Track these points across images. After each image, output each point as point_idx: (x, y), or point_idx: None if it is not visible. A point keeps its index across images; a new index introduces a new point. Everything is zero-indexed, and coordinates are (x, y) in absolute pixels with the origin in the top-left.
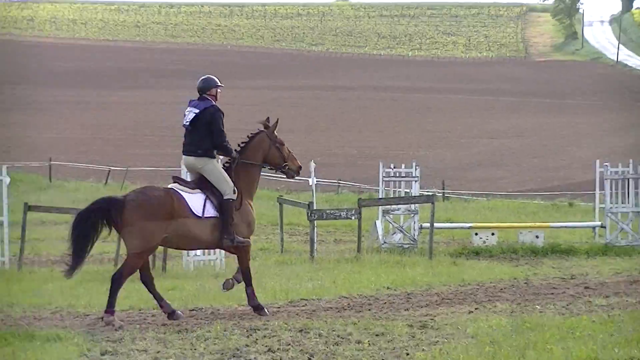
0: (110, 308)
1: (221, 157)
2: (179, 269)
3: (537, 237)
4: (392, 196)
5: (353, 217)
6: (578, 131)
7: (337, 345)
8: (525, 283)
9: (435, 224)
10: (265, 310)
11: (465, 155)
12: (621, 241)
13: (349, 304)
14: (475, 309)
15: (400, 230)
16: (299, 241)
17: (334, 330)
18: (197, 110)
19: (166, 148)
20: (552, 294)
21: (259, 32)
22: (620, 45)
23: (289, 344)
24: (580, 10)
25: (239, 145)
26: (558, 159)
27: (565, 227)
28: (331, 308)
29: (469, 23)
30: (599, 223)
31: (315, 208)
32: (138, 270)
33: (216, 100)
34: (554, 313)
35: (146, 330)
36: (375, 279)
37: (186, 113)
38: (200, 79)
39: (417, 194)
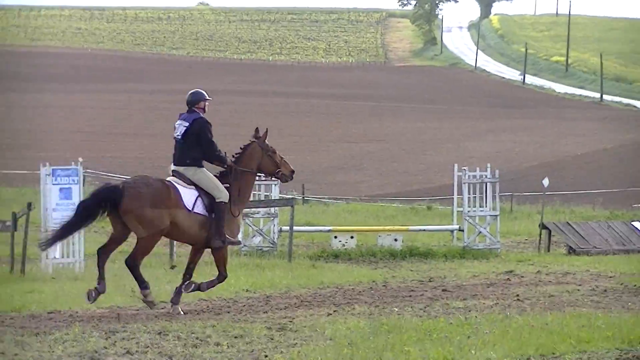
0: (143, 284)
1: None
2: (38, 271)
3: (395, 240)
4: (251, 199)
5: None
6: (437, 136)
7: (196, 347)
8: (384, 286)
9: (295, 227)
10: (180, 311)
11: (325, 159)
12: (479, 244)
13: (208, 307)
14: (334, 311)
15: (260, 233)
16: (159, 244)
17: (192, 333)
18: (187, 124)
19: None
20: (410, 296)
21: (120, 36)
22: (479, 51)
23: (148, 347)
24: (439, 16)
25: (233, 156)
26: (417, 163)
27: (424, 230)
28: (190, 311)
29: (329, 28)
30: (457, 226)
31: None
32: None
33: (204, 112)
34: (411, 315)
35: (4, 332)
36: (234, 282)
37: (176, 126)
38: (189, 93)
39: (277, 197)
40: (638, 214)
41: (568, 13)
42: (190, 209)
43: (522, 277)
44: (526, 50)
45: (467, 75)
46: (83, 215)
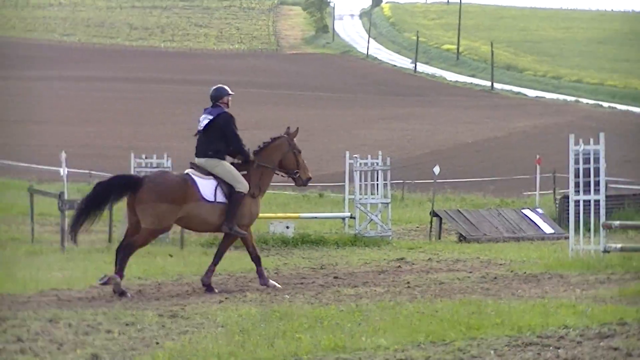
0: (120, 272)
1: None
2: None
3: (287, 227)
4: None
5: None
6: (329, 123)
7: (87, 334)
8: (276, 273)
9: None
10: (275, 284)
11: None
12: (370, 232)
13: (99, 294)
14: (226, 298)
15: None
16: (50, 231)
17: (84, 320)
18: (211, 117)
19: None
20: (302, 283)
21: (10, 22)
22: (370, 39)
23: (38, 334)
24: (331, 4)
25: (259, 146)
26: (310, 150)
27: (316, 217)
28: (81, 298)
29: (221, 15)
30: (348, 214)
31: (66, 198)
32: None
33: (227, 107)
34: (303, 302)
35: None
36: (126, 269)
37: (201, 120)
38: (213, 88)
39: None
40: (528, 201)
41: (459, 1)
42: (211, 199)
43: (413, 264)
44: (417, 38)
45: (359, 63)
46: (99, 194)
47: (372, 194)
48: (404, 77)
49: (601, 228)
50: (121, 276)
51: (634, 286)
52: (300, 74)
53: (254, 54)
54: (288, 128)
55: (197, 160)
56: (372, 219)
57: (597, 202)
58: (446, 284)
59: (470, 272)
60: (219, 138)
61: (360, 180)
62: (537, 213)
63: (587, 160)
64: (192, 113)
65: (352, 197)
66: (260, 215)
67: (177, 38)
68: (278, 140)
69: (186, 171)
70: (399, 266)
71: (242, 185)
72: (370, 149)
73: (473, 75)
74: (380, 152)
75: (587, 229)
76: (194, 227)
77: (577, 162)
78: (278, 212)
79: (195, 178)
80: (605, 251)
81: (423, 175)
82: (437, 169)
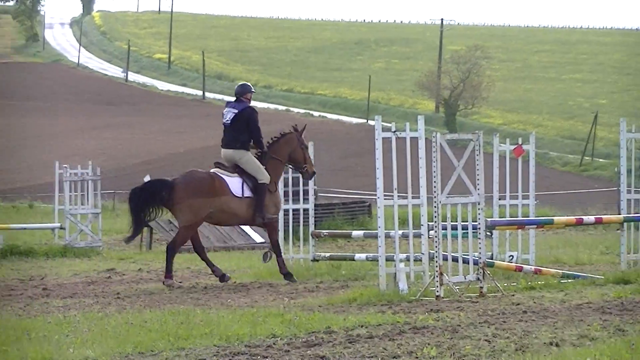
0: (168, 273)
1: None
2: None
3: None
4: None
5: None
6: (40, 133)
7: None
8: None
9: None
10: (294, 277)
11: None
12: (80, 242)
13: None
14: None
15: None
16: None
17: None
18: (235, 111)
19: None
20: (10, 295)
21: None
22: (82, 48)
23: None
24: (42, 12)
25: (271, 139)
26: (20, 160)
27: (25, 228)
28: None
29: None
30: (58, 225)
31: None
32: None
33: (249, 102)
34: (10, 315)
35: None
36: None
37: (225, 113)
38: (238, 85)
39: None
40: None
41: (170, 10)
42: (239, 194)
43: (124, 275)
44: (129, 47)
45: (70, 72)
46: (135, 201)
47: (82, 204)
48: (116, 86)
49: (310, 237)
50: (170, 277)
51: (342, 295)
52: (9, 83)
53: None
54: (296, 125)
55: (225, 152)
56: (82, 230)
57: (306, 210)
58: (156, 294)
59: (181, 282)
60: (243, 130)
61: (71, 191)
62: None
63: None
64: None
65: (62, 207)
66: None
67: None
68: (288, 136)
69: (212, 170)
70: (109, 277)
71: (264, 176)
72: (80, 159)
73: (185, 85)
74: (90, 162)
75: (297, 237)
76: (224, 221)
77: (286, 172)
78: None
79: (223, 176)
80: (315, 260)
81: (135, 184)
82: (147, 178)
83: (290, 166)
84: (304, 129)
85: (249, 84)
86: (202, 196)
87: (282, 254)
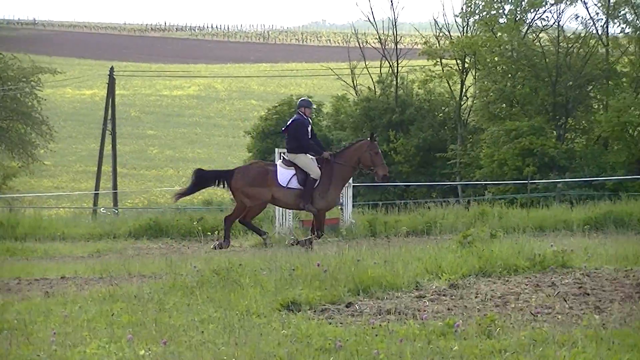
0: (227, 238)
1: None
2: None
3: None
4: None
5: None
6: None
7: None
8: None
9: None
10: (308, 247)
11: None
12: None
13: None
14: None
15: None
16: None
17: None
18: (289, 121)
19: None
20: None
21: None
22: None
23: None
24: None
25: (339, 149)
26: None
27: None
28: None
29: None
30: None
31: None
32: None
33: (305, 115)
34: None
35: None
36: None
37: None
38: (300, 99)
39: None
40: None
41: None
42: (284, 185)
43: None
44: None
45: None
46: (198, 179)
47: None
48: None
49: None
50: (228, 243)
51: None
52: None
53: None
54: (371, 134)
55: (287, 154)
56: None
57: None
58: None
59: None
60: (293, 137)
61: None
62: None
63: None
64: None
65: None
66: None
67: None
68: (357, 144)
69: (277, 162)
70: None
71: (314, 172)
72: None
73: None
74: None
75: None
76: (280, 205)
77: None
78: None
79: (279, 168)
80: None
81: None
82: None
83: (363, 170)
84: (376, 138)
85: (309, 99)
86: (255, 185)
87: (319, 238)
